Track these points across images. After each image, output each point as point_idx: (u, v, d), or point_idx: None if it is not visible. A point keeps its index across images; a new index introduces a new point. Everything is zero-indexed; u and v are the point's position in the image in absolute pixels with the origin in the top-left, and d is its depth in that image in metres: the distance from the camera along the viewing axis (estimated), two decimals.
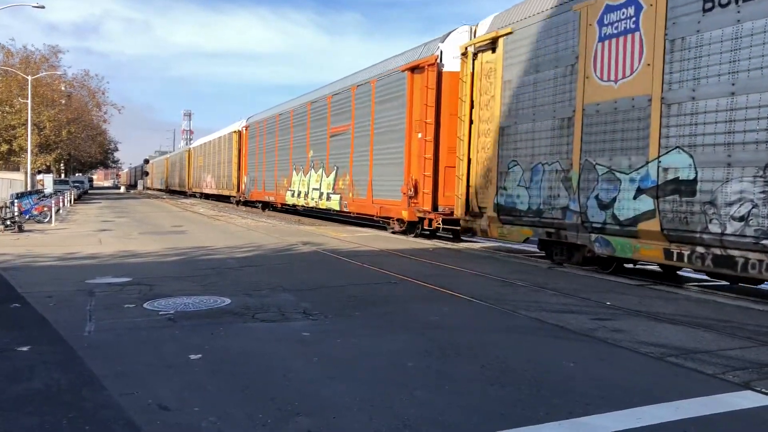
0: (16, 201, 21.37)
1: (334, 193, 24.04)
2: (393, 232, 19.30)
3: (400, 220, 18.96)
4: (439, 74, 17.52)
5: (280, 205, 32.32)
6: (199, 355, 5.79)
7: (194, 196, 58.88)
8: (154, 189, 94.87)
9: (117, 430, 4.11)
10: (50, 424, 4.19)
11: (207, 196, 53.77)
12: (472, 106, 15.14)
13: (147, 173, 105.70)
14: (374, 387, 4.97)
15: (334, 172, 24.15)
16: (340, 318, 7.45)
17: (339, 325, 7.11)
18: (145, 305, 8.03)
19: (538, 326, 7.14)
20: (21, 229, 19.24)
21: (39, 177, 46.32)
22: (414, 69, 18.17)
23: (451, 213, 16.42)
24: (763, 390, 4.95)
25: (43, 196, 30.45)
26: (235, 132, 41.18)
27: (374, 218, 21.01)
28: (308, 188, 27.15)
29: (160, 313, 7.62)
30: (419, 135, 17.60)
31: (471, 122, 15.14)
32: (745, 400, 4.76)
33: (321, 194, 25.56)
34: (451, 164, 16.53)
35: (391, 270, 11.32)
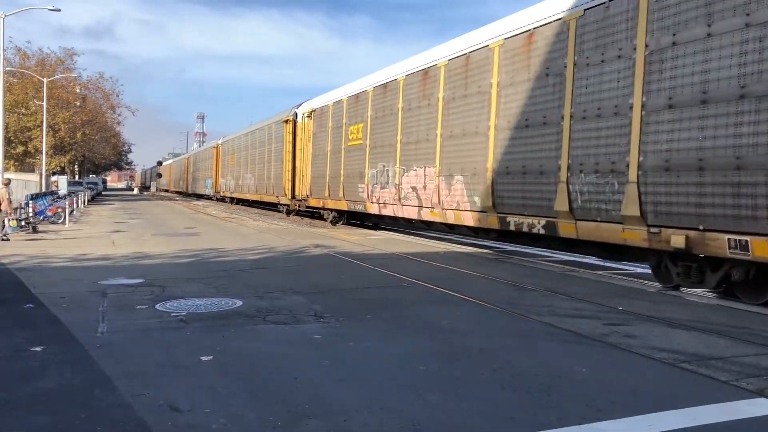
0: (30, 202, 21.56)
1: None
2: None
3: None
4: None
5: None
6: (210, 357, 5.81)
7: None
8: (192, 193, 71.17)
9: (128, 430, 4.13)
10: (62, 423, 4.21)
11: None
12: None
13: (160, 175, 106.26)
14: (385, 390, 4.96)
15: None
16: (351, 321, 7.45)
17: (350, 328, 7.11)
18: (157, 306, 8.07)
19: (549, 331, 7.11)
20: (35, 230, 19.41)
21: (53, 178, 46.77)
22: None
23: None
24: None
25: (58, 198, 30.71)
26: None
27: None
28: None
29: (172, 314, 7.65)
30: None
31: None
32: (759, 407, 4.70)
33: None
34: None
35: (402, 273, 11.31)
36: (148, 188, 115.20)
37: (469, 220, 14.92)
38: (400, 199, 18.34)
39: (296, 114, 29.23)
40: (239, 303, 8.33)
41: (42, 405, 4.54)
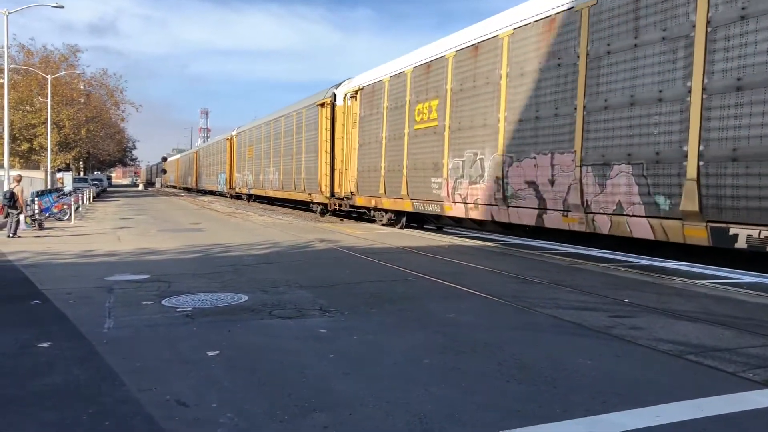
0: (36, 199, 21.63)
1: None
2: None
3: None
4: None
5: None
6: (217, 352, 5.83)
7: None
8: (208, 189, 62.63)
9: (136, 425, 4.15)
10: (70, 419, 4.24)
11: None
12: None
13: (165, 171, 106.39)
14: (391, 383, 4.97)
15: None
16: (356, 315, 7.46)
17: (355, 322, 7.13)
18: (163, 302, 8.09)
19: (554, 323, 7.11)
20: (41, 227, 19.49)
21: (59, 175, 46.94)
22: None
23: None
24: None
25: (63, 194, 30.81)
26: None
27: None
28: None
29: (178, 309, 7.68)
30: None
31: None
32: (766, 398, 4.70)
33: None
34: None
35: (407, 267, 11.32)
36: (153, 184, 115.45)
37: (643, 230, 10.40)
38: (505, 199, 13.78)
39: (335, 95, 24.50)
40: (245, 298, 8.35)
41: (49, 401, 4.57)
